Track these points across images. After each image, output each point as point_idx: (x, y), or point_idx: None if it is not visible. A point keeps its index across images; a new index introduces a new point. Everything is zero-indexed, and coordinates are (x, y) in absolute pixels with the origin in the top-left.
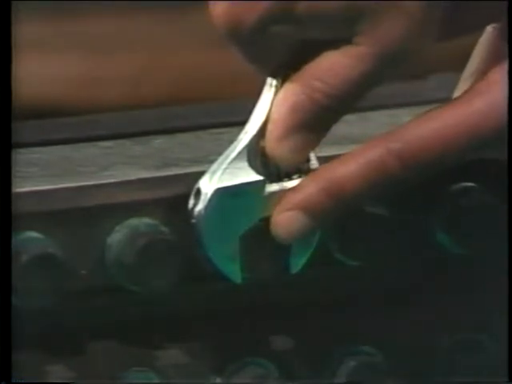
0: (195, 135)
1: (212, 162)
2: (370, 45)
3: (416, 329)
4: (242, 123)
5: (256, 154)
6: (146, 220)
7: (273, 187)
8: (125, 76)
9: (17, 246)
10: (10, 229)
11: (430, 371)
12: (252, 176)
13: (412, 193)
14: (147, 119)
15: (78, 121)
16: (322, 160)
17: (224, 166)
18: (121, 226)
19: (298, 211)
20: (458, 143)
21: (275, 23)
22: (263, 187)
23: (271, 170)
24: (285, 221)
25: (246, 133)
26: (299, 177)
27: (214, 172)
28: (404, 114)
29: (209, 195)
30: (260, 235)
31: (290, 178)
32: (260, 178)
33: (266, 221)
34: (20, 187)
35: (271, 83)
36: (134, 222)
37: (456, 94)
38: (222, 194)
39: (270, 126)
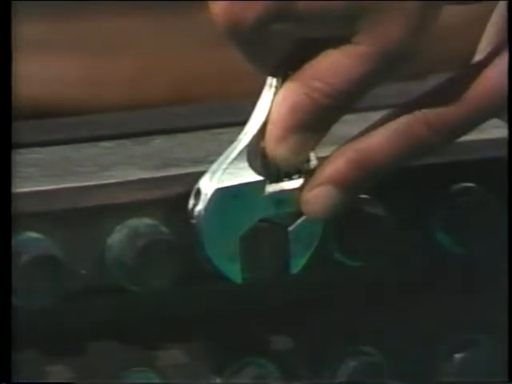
0: (195, 135)
1: (212, 162)
2: (369, 44)
3: (416, 329)
4: (242, 123)
5: (256, 155)
6: (146, 220)
7: (273, 187)
8: (125, 76)
9: (17, 246)
10: (10, 229)
11: (430, 371)
12: (252, 176)
13: (412, 193)
14: (147, 119)
15: (78, 121)
16: (322, 160)
17: (224, 166)
18: (121, 227)
19: (329, 185)
20: (486, 105)
21: (275, 21)
22: (263, 187)
23: (271, 170)
24: (316, 196)
25: (246, 133)
26: (299, 177)
27: (214, 172)
28: None
29: (209, 195)
30: (260, 235)
31: (290, 178)
32: (260, 178)
33: (266, 221)
34: (20, 187)
35: (271, 83)
36: (134, 222)
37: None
38: (222, 194)
39: (269, 127)
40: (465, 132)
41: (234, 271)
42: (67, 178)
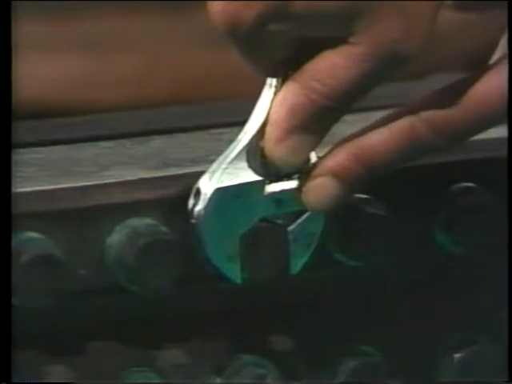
0: (195, 135)
1: (212, 162)
2: (367, 45)
3: (416, 328)
4: (241, 123)
5: (255, 155)
6: (146, 220)
7: (273, 187)
8: (125, 76)
9: (17, 246)
10: (10, 229)
11: (430, 371)
12: (252, 176)
13: (412, 193)
14: (147, 119)
15: (78, 121)
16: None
17: (224, 165)
18: (121, 226)
19: (329, 177)
20: (491, 109)
21: (273, 21)
22: (263, 187)
23: (271, 170)
24: (316, 187)
25: (246, 133)
26: (299, 177)
27: (214, 172)
28: None
29: (208, 195)
30: (260, 235)
31: (289, 178)
32: (260, 178)
33: (266, 221)
34: (20, 187)
35: (271, 83)
36: (134, 222)
37: (491, 60)
38: (221, 193)
39: (269, 127)
40: (468, 136)
41: (234, 271)
42: (67, 177)
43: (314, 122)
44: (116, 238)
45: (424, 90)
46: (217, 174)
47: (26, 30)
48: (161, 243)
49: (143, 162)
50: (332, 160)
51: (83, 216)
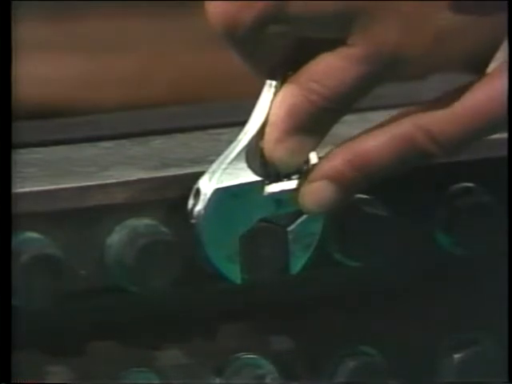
0: (194, 135)
1: (211, 162)
2: (365, 46)
3: (416, 329)
4: (241, 124)
5: (255, 155)
6: (146, 220)
7: (272, 188)
8: (124, 76)
9: (16, 246)
10: (10, 229)
11: (430, 371)
12: (251, 176)
13: (413, 193)
14: (147, 119)
15: (77, 121)
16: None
17: (223, 166)
18: (120, 227)
19: (324, 181)
20: (488, 118)
21: (272, 23)
22: (263, 188)
23: (270, 170)
24: (312, 191)
25: (245, 133)
26: (299, 177)
27: (214, 172)
28: None
29: (208, 195)
30: (259, 236)
31: (289, 178)
32: (259, 178)
33: (266, 221)
34: (20, 187)
35: (270, 84)
36: (134, 222)
37: (490, 68)
38: (221, 194)
39: (268, 128)
40: (465, 144)
41: (234, 271)
42: (67, 177)
43: (313, 122)
44: (116, 238)
45: (424, 90)
46: (216, 175)
47: (25, 30)
48: (160, 243)
49: (143, 162)
50: (328, 165)
51: (83, 216)
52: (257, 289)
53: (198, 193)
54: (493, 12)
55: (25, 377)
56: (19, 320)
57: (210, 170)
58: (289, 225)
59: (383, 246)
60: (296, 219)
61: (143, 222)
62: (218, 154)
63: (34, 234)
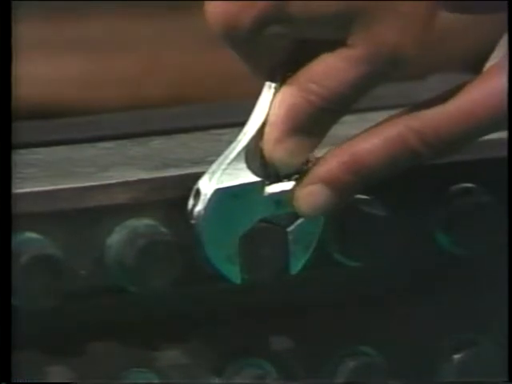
0: (194, 136)
1: (211, 162)
2: (364, 47)
3: (416, 329)
4: (241, 124)
5: (255, 156)
6: (146, 221)
7: (272, 188)
8: (124, 77)
9: (17, 246)
10: (10, 229)
11: (430, 371)
12: (251, 177)
13: (412, 193)
14: (147, 120)
15: (77, 122)
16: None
17: (223, 166)
18: (120, 227)
19: (319, 184)
20: (481, 119)
21: (272, 24)
22: (262, 188)
23: (270, 171)
24: (307, 194)
25: (245, 134)
26: (298, 178)
27: (214, 173)
28: None
29: (208, 196)
30: (259, 236)
31: (288, 178)
32: (259, 179)
33: (265, 222)
34: (20, 188)
35: (270, 84)
36: (134, 222)
37: (485, 68)
38: (221, 194)
39: (267, 129)
40: (460, 146)
41: (233, 272)
42: (67, 178)
43: (312, 123)
44: (116, 238)
45: (423, 90)
46: (216, 175)
47: (25, 29)
48: (160, 244)
49: (143, 162)
50: (323, 168)
51: (83, 216)
52: (257, 289)
53: (197, 193)
54: (491, 12)
55: (25, 377)
56: (19, 320)
57: (210, 170)
58: (288, 225)
59: (383, 246)
60: (296, 219)
61: (143, 223)
62: (218, 154)
63: (34, 235)
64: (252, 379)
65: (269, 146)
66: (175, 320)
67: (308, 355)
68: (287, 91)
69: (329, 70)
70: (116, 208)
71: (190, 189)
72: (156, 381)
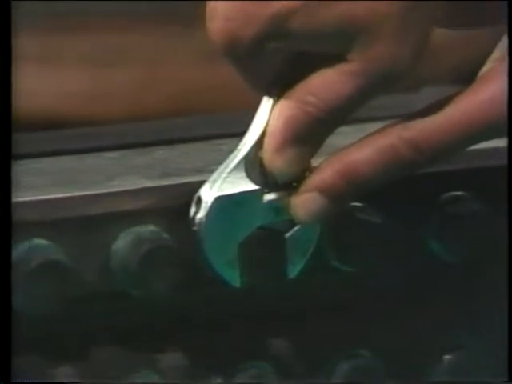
0: (196, 146)
1: (212, 171)
2: (361, 62)
3: (410, 333)
4: (240, 134)
5: (254, 165)
6: (149, 227)
7: (271, 196)
8: (127, 89)
9: (25, 252)
10: (10, 231)
11: (422, 372)
12: (250, 185)
13: (406, 201)
14: (149, 130)
15: (82, 132)
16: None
17: (224, 175)
18: (125, 233)
19: (315, 192)
20: (471, 128)
21: (271, 39)
22: (261, 196)
23: (269, 179)
24: (303, 202)
25: (245, 144)
26: (296, 186)
27: (215, 181)
28: None
29: (209, 203)
30: (258, 242)
31: (287, 187)
32: (258, 187)
33: (264, 229)
34: (29, 196)
35: (269, 97)
36: (138, 229)
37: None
38: (222, 202)
39: (266, 139)
40: (451, 154)
41: (234, 276)
42: (74, 187)
43: (309, 133)
44: (121, 244)
45: (417, 101)
46: (217, 183)
47: (27, 43)
48: (163, 249)
49: (146, 171)
50: (318, 176)
51: (89, 223)
52: (256, 293)
53: (199, 201)
54: (480, 28)
55: (29, 377)
56: (25, 324)
57: (211, 178)
58: (286, 232)
59: (378, 253)
60: (293, 226)
61: (147, 229)
62: (219, 163)
63: (42, 241)
64: (251, 379)
65: (268, 155)
66: (176, 323)
67: (307, 357)
68: (285, 103)
69: (327, 83)
70: (121, 215)
71: (192, 197)
72: (157, 381)
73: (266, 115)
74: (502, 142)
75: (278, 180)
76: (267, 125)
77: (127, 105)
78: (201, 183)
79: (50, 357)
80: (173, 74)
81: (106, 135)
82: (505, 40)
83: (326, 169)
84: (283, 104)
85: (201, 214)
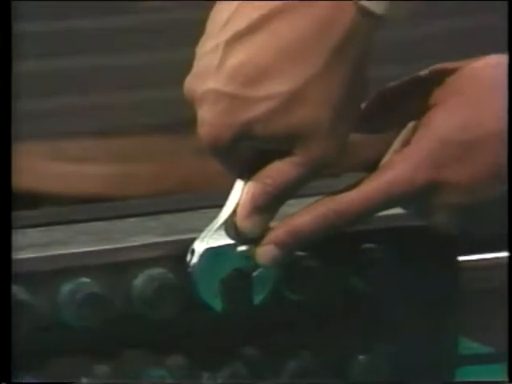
0: (191, 214)
1: (201, 231)
2: (302, 156)
3: (336, 342)
4: (221, 206)
5: (231, 226)
6: (159, 270)
7: (242, 248)
8: (143, 180)
9: (74, 287)
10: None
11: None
12: (229, 240)
13: (335, 250)
14: (159, 204)
15: (112, 205)
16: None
17: (210, 233)
18: (143, 274)
19: (271, 245)
20: (376, 201)
21: (242, 140)
22: (236, 248)
23: (241, 236)
24: (263, 252)
25: (224, 212)
26: (259, 241)
27: (204, 237)
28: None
29: (200, 253)
30: (234, 280)
31: (253, 242)
32: (234, 241)
33: (238, 270)
34: (77, 248)
35: (241, 179)
36: (151, 271)
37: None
38: (209, 252)
39: (239, 209)
40: (365, 218)
41: (217, 303)
42: (106, 242)
43: (268, 205)
44: (139, 281)
45: (339, 183)
46: (206, 239)
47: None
48: (168, 285)
49: (156, 231)
50: (273, 234)
51: (117, 267)
52: (232, 315)
53: (193, 251)
54: (383, 133)
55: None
56: (74, 334)
57: (201, 236)
58: (253, 272)
59: (317, 285)
60: (258, 268)
61: (157, 271)
62: (206, 226)
63: (85, 279)
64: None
65: (240, 220)
66: (178, 337)
67: (265, 359)
68: (252, 184)
69: (279, 170)
70: (139, 261)
71: (188, 248)
72: (165, 377)
73: (239, 192)
74: (399, 210)
75: (247, 237)
76: (239, 199)
77: (145, 189)
78: (194, 239)
79: (89, 358)
80: (177, 168)
81: (129, 207)
82: (401, 136)
83: (279, 229)
84: (250, 184)
85: (194, 260)
